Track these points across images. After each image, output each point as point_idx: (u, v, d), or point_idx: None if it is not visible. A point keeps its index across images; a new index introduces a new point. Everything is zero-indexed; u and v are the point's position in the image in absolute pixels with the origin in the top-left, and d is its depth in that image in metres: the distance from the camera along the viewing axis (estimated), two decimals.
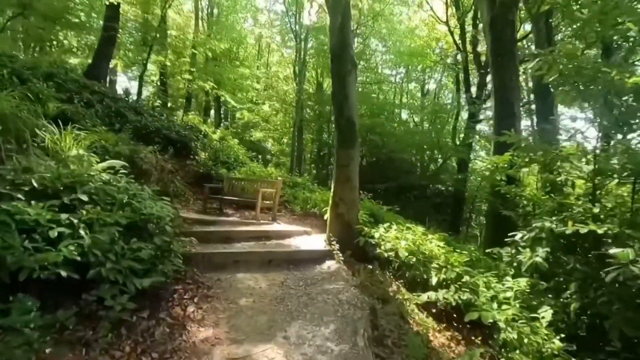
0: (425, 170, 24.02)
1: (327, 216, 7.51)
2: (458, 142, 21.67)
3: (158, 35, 14.59)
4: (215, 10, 22.84)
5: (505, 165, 6.23)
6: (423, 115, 25.81)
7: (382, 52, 28.03)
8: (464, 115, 23.23)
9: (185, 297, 4.38)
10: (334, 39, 7.30)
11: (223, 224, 7.34)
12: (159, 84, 18.46)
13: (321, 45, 22.72)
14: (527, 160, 5.75)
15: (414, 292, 5.64)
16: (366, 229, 6.79)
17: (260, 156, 16.63)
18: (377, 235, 6.43)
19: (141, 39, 15.02)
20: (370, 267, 6.25)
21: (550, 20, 13.46)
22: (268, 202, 8.76)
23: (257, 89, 22.48)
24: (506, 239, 5.33)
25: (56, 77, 11.14)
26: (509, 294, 4.84)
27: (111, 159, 6.32)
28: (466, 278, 5.21)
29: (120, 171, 5.18)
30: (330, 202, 7.18)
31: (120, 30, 14.93)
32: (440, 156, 23.54)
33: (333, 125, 26.95)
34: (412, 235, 6.22)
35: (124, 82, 23.33)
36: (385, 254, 6.05)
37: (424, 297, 5.23)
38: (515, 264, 5.12)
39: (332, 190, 7.19)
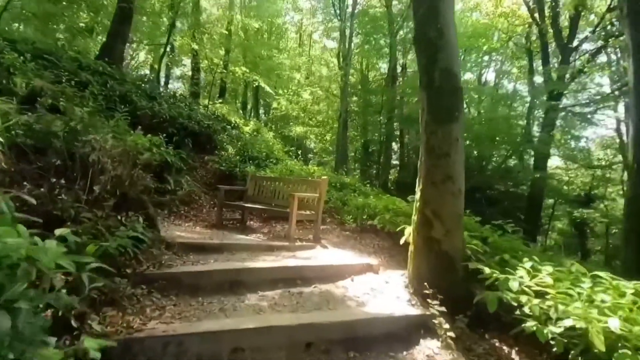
0: (491, 169, 19.99)
1: (405, 239, 4.37)
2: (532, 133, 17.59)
3: (180, 12, 12.08)
4: None
5: None
6: (482, 104, 21.63)
7: None
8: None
9: None
10: None
11: (233, 252, 4.39)
12: (191, 73, 16.05)
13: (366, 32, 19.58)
14: None
15: None
16: (484, 268, 3.56)
17: (300, 152, 13.72)
18: (513, 285, 3.18)
19: (162, 11, 12.53)
20: None
21: None
22: (308, 212, 5.74)
23: (298, 79, 19.64)
24: None
25: (49, 54, 8.77)
26: None
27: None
28: None
29: None
30: (414, 217, 4.02)
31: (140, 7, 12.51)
32: (509, 152, 19.43)
33: (382, 118, 23.76)
34: (605, 294, 2.91)
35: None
36: (547, 331, 2.79)
37: None
38: None
39: (417, 197, 4.03)
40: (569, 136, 18.55)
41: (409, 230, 4.40)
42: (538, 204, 17.04)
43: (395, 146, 23.14)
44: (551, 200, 19.94)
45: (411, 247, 4.03)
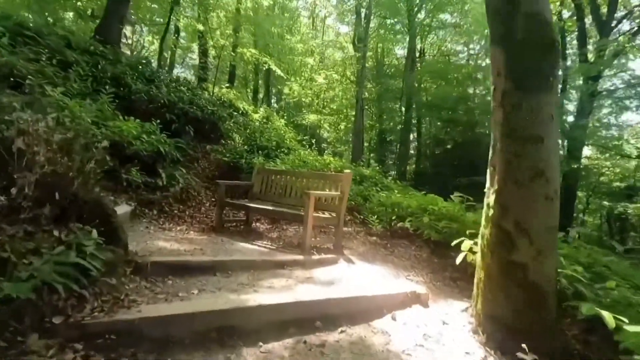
0: None
1: (463, 258, 3.13)
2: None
3: None
4: None
5: None
6: None
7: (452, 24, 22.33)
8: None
9: None
10: None
11: (228, 273, 3.20)
12: (197, 58, 14.81)
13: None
14: None
15: None
16: (600, 312, 2.31)
17: (314, 141, 12.46)
18: None
19: None
20: None
21: None
22: (327, 214, 4.52)
23: (311, 65, 18.23)
24: None
25: (32, 31, 7.65)
26: None
27: None
28: None
29: None
30: (484, 231, 2.77)
31: None
32: None
33: (399, 105, 22.24)
34: None
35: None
36: None
37: None
38: None
39: (489, 202, 2.77)
40: (606, 122, 16.85)
41: (467, 245, 3.16)
42: (572, 197, 15.50)
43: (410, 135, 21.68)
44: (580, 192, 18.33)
45: (479, 273, 2.78)
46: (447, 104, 15.47)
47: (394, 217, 5.47)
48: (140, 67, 9.19)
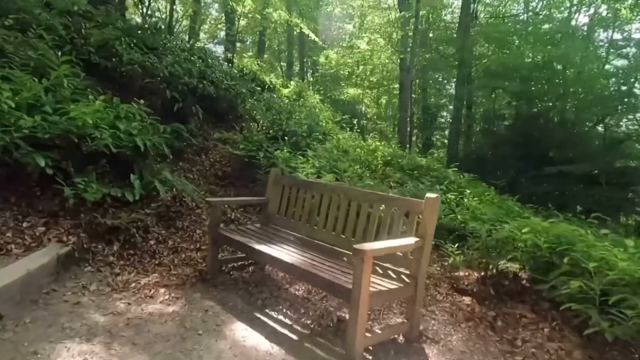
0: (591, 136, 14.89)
1: None
2: None
3: None
4: None
5: None
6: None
7: None
8: None
9: None
10: None
11: None
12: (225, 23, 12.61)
13: None
14: None
15: None
16: None
17: (356, 121, 10.16)
18: None
19: None
20: None
21: None
22: (392, 280, 2.40)
23: (351, 31, 15.56)
24: None
25: None
26: None
27: None
28: None
29: None
30: None
31: None
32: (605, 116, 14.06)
33: (447, 77, 18.93)
34: None
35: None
36: None
37: None
38: None
39: None
40: None
41: None
42: None
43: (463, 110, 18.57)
44: None
45: None
46: (514, 73, 12.51)
47: (499, 260, 3.24)
48: (140, 32, 7.18)
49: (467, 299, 2.97)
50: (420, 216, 2.41)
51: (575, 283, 2.42)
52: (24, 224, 2.94)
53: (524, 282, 3.22)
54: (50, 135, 3.48)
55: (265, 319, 2.52)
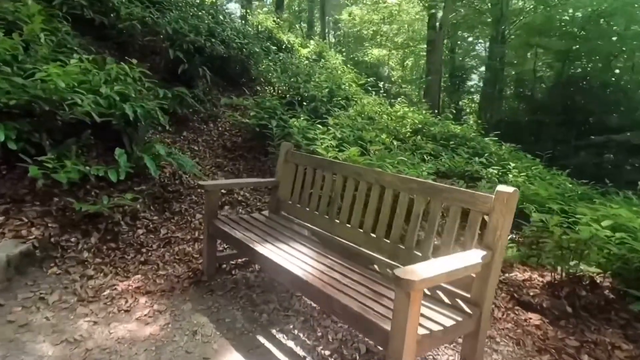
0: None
1: None
2: None
3: None
4: None
5: None
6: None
7: None
8: None
9: None
10: None
11: None
12: None
13: None
14: None
15: None
16: None
17: (382, 84, 9.16)
18: None
19: None
20: None
21: None
22: (446, 307, 1.69)
23: None
24: None
25: None
26: None
27: None
28: None
29: None
30: None
31: None
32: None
33: (478, 36, 17.06)
34: None
35: None
36: None
37: None
38: None
39: None
40: None
41: None
42: None
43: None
44: None
45: None
46: (563, 29, 10.99)
47: (573, 256, 2.47)
48: None
49: (534, 318, 2.24)
50: (487, 217, 1.66)
51: None
52: None
53: (606, 292, 2.46)
54: (16, 102, 2.84)
55: (270, 346, 1.88)
